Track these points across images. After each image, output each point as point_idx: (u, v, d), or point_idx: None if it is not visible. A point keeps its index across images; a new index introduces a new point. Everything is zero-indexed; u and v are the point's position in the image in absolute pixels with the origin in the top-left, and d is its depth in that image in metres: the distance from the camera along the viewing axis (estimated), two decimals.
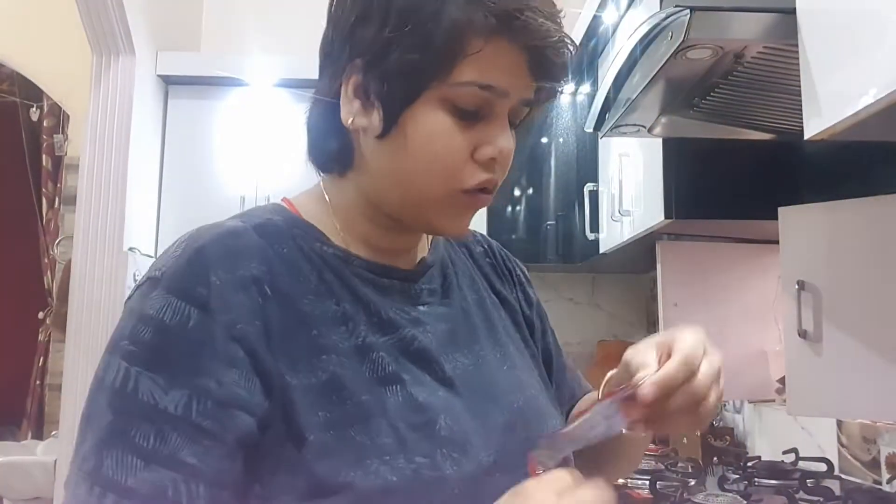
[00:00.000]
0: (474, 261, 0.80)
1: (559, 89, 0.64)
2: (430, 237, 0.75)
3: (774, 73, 1.21)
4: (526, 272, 0.86)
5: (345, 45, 0.63)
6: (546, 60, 0.60)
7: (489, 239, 0.85)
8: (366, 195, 0.66)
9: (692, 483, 1.59)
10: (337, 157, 0.67)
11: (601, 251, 2.40)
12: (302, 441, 0.56)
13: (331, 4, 0.66)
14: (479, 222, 2.88)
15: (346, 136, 0.65)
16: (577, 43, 0.70)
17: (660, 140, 1.72)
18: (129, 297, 0.60)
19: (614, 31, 2.22)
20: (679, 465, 1.80)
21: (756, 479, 1.64)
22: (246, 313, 0.57)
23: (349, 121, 0.63)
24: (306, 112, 0.69)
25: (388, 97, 0.60)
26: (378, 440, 0.58)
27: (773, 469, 1.72)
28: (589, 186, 2.46)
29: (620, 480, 1.73)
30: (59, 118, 3.70)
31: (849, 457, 1.67)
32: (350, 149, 0.65)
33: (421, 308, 0.68)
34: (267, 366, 0.57)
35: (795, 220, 1.41)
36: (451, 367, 0.66)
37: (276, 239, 0.63)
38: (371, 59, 0.60)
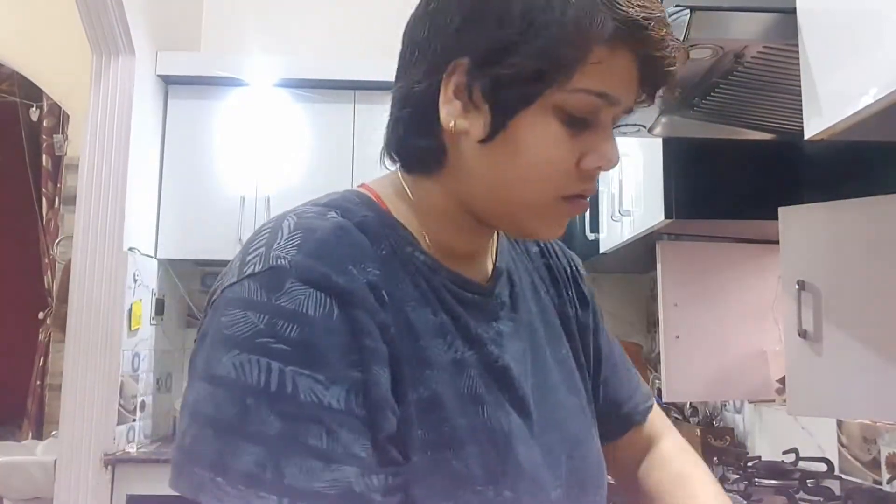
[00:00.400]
0: (532, 261, 0.76)
1: (660, 96, 0.62)
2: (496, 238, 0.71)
3: (774, 73, 1.21)
4: (580, 266, 0.81)
5: (450, 42, 0.59)
6: (660, 71, 0.58)
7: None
8: (456, 197, 0.63)
9: None
10: (427, 157, 0.62)
11: (601, 251, 2.41)
12: (404, 458, 0.55)
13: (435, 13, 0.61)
14: None
15: (440, 136, 0.61)
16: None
17: (660, 140, 1.72)
18: (230, 284, 0.55)
19: None
20: None
21: (756, 479, 1.64)
22: (381, 316, 0.55)
23: (451, 124, 0.59)
24: (389, 108, 0.65)
25: (499, 102, 0.57)
26: (471, 468, 0.56)
27: (774, 469, 1.72)
28: None
29: None
30: (59, 118, 3.70)
31: (849, 457, 1.67)
32: (443, 150, 0.61)
33: (495, 325, 0.65)
34: (397, 371, 0.55)
35: (795, 220, 1.42)
36: (525, 390, 0.64)
37: (376, 239, 0.59)
38: (482, 61, 0.57)
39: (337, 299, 0.53)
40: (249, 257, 0.56)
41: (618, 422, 0.79)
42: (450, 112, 0.59)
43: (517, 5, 0.56)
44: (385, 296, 0.56)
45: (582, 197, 0.61)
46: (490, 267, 0.68)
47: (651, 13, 0.55)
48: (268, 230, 0.57)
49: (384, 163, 0.67)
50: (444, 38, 0.59)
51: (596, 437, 0.71)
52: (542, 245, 0.78)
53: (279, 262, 0.54)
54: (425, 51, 0.61)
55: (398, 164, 0.66)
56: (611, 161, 0.60)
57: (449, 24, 0.59)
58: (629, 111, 0.61)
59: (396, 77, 0.64)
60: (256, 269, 0.54)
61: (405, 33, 0.65)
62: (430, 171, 0.63)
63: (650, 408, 0.82)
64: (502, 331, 0.65)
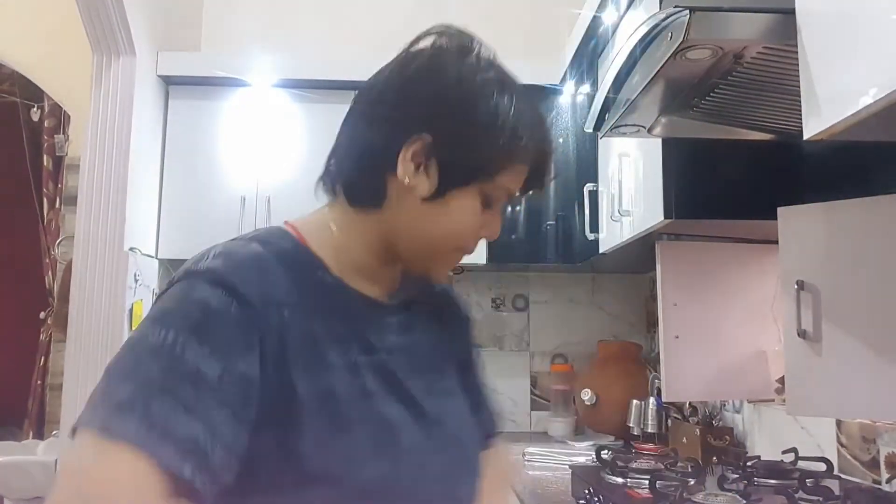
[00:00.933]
0: (431, 298, 0.93)
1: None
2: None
3: (774, 74, 1.21)
4: (469, 314, 1.03)
5: (420, 119, 0.78)
6: (541, 182, 0.86)
7: (454, 297, 1.01)
8: (383, 234, 0.81)
9: (692, 482, 1.59)
10: (372, 197, 0.80)
11: (601, 251, 2.41)
12: (300, 439, 0.69)
13: (413, 72, 0.81)
14: None
15: (384, 183, 0.79)
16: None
17: (659, 140, 1.72)
18: (164, 291, 0.72)
19: (614, 31, 2.22)
20: (678, 464, 1.81)
21: (755, 478, 1.64)
22: (272, 328, 0.70)
23: (406, 179, 0.77)
24: (338, 144, 0.86)
25: (445, 176, 0.78)
26: (359, 448, 0.72)
27: (773, 469, 1.72)
28: (589, 186, 2.46)
29: (619, 479, 1.73)
30: (60, 118, 3.70)
31: (848, 456, 1.67)
32: (385, 195, 0.80)
33: (391, 337, 0.82)
34: (269, 375, 0.69)
35: (795, 220, 1.42)
36: (411, 390, 0.80)
37: (289, 265, 0.76)
38: (441, 146, 0.77)
39: (237, 301, 0.68)
40: (180, 270, 0.73)
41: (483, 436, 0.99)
42: (406, 169, 0.77)
43: (480, 118, 0.78)
44: (286, 313, 0.72)
45: (467, 253, 0.85)
46: (393, 291, 0.86)
47: (550, 150, 0.84)
48: (200, 254, 0.74)
49: (317, 193, 0.86)
50: (414, 113, 0.78)
51: (477, 438, 0.91)
52: (441, 287, 0.98)
53: (197, 268, 0.71)
54: (395, 115, 0.79)
55: (333, 199, 0.84)
56: (496, 234, 0.85)
57: (420, 103, 0.79)
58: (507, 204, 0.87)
59: (352, 120, 0.85)
60: (179, 277, 0.71)
61: (373, 85, 0.83)
62: (366, 209, 0.81)
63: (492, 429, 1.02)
64: (395, 342, 0.82)
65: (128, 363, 0.65)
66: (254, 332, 0.68)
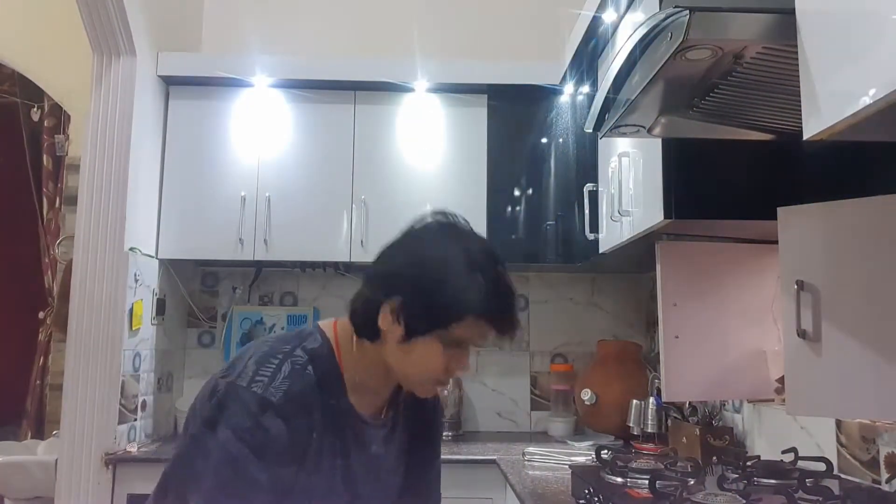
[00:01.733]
0: (418, 410, 1.27)
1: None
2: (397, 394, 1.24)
3: (774, 74, 1.21)
4: (441, 418, 1.37)
5: (397, 287, 1.07)
6: (504, 334, 1.10)
7: (431, 401, 1.31)
8: (379, 357, 1.13)
9: (691, 482, 1.59)
10: (370, 333, 1.11)
11: (601, 251, 2.41)
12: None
13: (394, 244, 1.14)
14: (479, 223, 2.89)
15: (377, 325, 1.10)
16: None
17: (659, 140, 1.73)
18: (241, 387, 1.07)
19: (614, 31, 2.22)
20: (678, 464, 1.80)
21: (755, 478, 1.64)
22: (303, 441, 1.08)
23: (385, 326, 1.08)
24: (356, 296, 1.16)
25: (410, 328, 1.06)
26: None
27: (773, 468, 1.72)
28: (588, 186, 2.46)
29: (619, 479, 1.73)
30: (60, 118, 3.71)
31: (848, 456, 1.67)
32: (377, 333, 1.10)
33: (373, 448, 1.18)
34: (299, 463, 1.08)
35: (795, 220, 1.42)
36: (361, 492, 1.16)
37: (322, 388, 1.11)
38: (409, 309, 1.06)
39: (287, 427, 1.05)
40: (258, 378, 1.07)
41: None
42: (384, 319, 1.08)
43: (437, 287, 1.05)
44: (314, 433, 1.09)
45: (442, 387, 1.17)
46: (384, 406, 1.21)
47: (511, 312, 1.09)
48: (273, 366, 1.08)
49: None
50: (393, 279, 1.09)
51: None
52: (433, 402, 1.31)
53: (271, 398, 1.05)
54: (382, 278, 1.11)
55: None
56: (466, 370, 1.14)
57: (398, 272, 1.09)
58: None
59: (375, 277, 1.14)
60: (258, 391, 1.05)
61: (382, 250, 1.15)
62: (369, 340, 1.12)
63: None
64: (375, 451, 1.18)
65: (184, 466, 1.10)
66: (290, 448, 1.06)
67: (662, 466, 1.79)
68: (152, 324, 2.82)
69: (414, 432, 1.26)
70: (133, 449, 2.59)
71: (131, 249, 2.64)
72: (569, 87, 2.89)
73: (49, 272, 3.66)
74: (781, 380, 1.81)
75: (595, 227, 2.43)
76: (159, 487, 1.14)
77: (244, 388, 1.04)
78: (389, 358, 1.11)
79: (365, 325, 1.11)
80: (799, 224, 1.41)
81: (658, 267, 1.93)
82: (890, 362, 1.26)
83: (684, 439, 2.14)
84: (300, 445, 1.05)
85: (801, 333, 1.36)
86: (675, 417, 2.37)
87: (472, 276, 1.05)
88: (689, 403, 2.32)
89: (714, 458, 1.95)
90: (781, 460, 1.80)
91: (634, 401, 2.58)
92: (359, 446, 1.14)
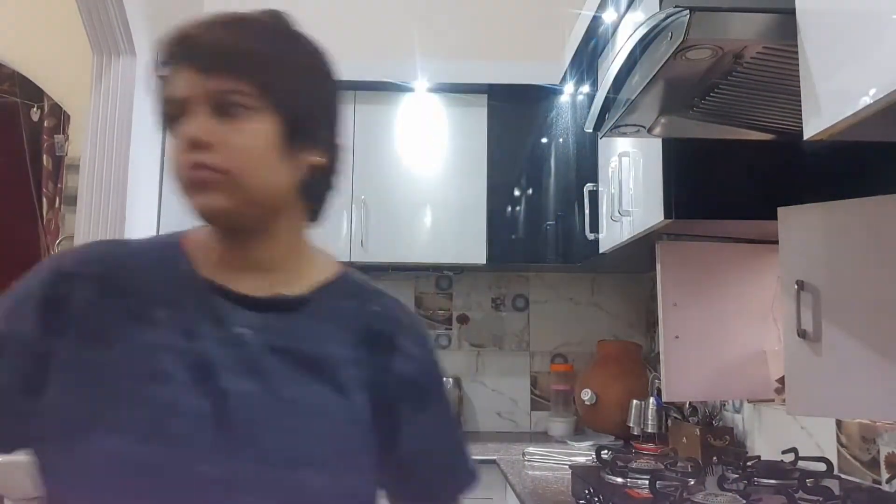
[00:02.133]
0: (350, 319, 0.82)
1: (252, 72, 0.76)
2: (333, 281, 0.83)
3: (774, 74, 1.21)
4: (425, 349, 0.86)
5: None
6: (194, 56, 0.78)
7: (396, 309, 0.86)
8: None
9: (692, 482, 1.59)
10: None
11: (601, 251, 2.41)
12: (59, 403, 0.70)
13: None
14: (479, 223, 2.89)
15: None
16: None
17: (660, 140, 1.73)
18: None
19: (614, 31, 2.22)
20: (678, 464, 1.81)
21: (755, 478, 1.64)
22: (68, 296, 0.75)
23: None
24: None
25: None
26: (119, 417, 0.69)
27: (773, 469, 1.72)
28: (589, 186, 2.46)
29: (619, 479, 1.73)
30: (60, 118, 3.70)
31: (848, 456, 1.67)
32: None
33: (239, 330, 0.75)
34: (57, 344, 0.72)
35: (795, 220, 1.42)
36: (228, 387, 0.72)
37: (137, 254, 0.80)
38: None
39: (43, 281, 0.78)
40: None
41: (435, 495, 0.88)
42: None
43: None
44: (103, 288, 0.75)
45: (190, 170, 0.74)
46: (277, 294, 0.79)
47: (183, 35, 0.79)
48: None
49: None
50: None
51: (319, 478, 0.73)
52: (382, 311, 0.85)
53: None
54: None
55: None
56: (184, 135, 0.75)
57: None
58: (214, 96, 0.75)
59: None
60: None
61: None
62: None
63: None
64: (246, 337, 0.75)
65: None
66: (47, 299, 0.75)
67: (662, 466, 1.79)
68: None
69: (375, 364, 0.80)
70: None
71: None
72: (569, 87, 2.89)
73: None
74: (782, 380, 1.81)
75: (595, 227, 2.43)
76: None
77: None
78: None
79: None
80: (799, 224, 1.41)
81: (658, 267, 1.93)
82: (890, 362, 1.26)
83: (684, 439, 2.14)
84: (68, 298, 0.74)
85: (802, 333, 1.35)
86: (676, 417, 2.37)
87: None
88: (690, 403, 2.32)
89: (714, 458, 1.95)
90: (782, 460, 1.80)
91: (634, 401, 2.58)
92: (214, 324, 0.75)
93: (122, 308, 0.74)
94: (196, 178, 0.74)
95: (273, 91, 0.76)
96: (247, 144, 0.75)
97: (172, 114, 0.78)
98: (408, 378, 0.82)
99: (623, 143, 2.06)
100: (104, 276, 0.76)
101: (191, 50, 0.77)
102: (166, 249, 0.80)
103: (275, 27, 0.81)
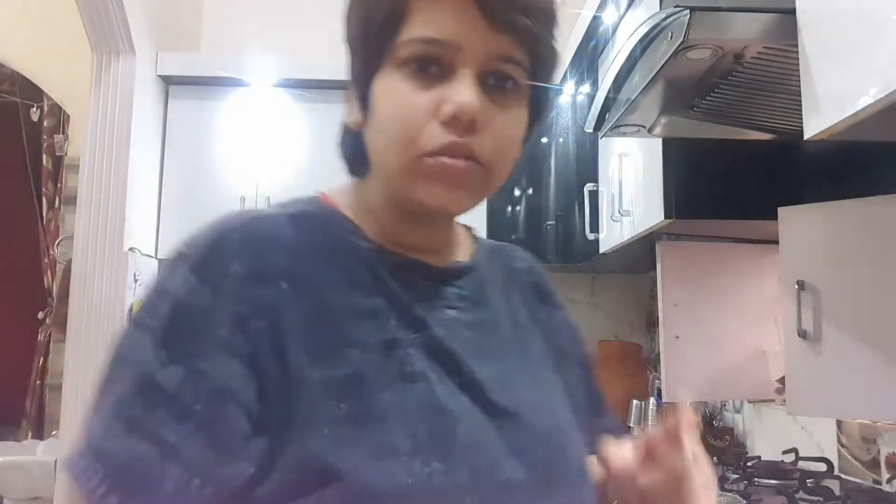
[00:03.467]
0: (512, 276, 0.76)
1: (537, 43, 0.60)
2: (474, 245, 0.73)
3: (774, 73, 1.21)
4: (559, 301, 0.82)
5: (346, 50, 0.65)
6: (500, 7, 0.57)
7: (531, 259, 0.81)
8: (384, 193, 0.64)
9: None
10: (355, 161, 0.68)
11: (601, 251, 2.41)
12: (312, 435, 0.54)
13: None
14: (479, 222, 2.89)
15: (359, 139, 0.65)
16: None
17: (660, 140, 1.72)
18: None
19: (614, 31, 2.22)
20: None
21: (756, 478, 1.64)
22: (261, 308, 0.56)
23: (350, 121, 0.65)
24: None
25: (357, 82, 0.62)
26: (396, 440, 0.55)
27: (773, 469, 1.72)
28: (589, 186, 2.46)
29: None
30: (60, 118, 3.70)
31: (848, 457, 1.67)
32: (364, 152, 0.64)
33: (450, 311, 0.65)
34: (266, 363, 0.55)
35: (795, 220, 1.42)
36: (477, 375, 0.62)
37: (308, 229, 0.62)
38: (349, 57, 0.63)
39: (210, 291, 0.56)
40: (181, 242, 0.61)
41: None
42: (348, 112, 0.66)
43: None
44: (284, 285, 0.57)
45: (445, 155, 0.58)
46: (452, 259, 0.69)
47: None
48: (210, 222, 0.61)
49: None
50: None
51: (583, 448, 0.67)
52: (530, 265, 0.79)
53: (184, 249, 0.59)
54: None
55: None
56: (458, 104, 0.57)
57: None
58: (506, 60, 0.59)
59: None
60: (173, 256, 0.60)
61: None
62: (363, 174, 0.67)
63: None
64: (458, 318, 0.64)
65: (102, 377, 0.57)
66: (227, 326, 0.55)
67: None
68: None
69: (516, 302, 0.73)
70: None
71: (131, 249, 2.63)
72: (569, 87, 2.89)
73: (48, 272, 3.66)
74: (782, 380, 1.81)
75: (595, 227, 2.42)
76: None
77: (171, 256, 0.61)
78: (376, 173, 0.64)
79: (345, 151, 0.70)
80: (799, 224, 1.41)
81: (658, 267, 1.93)
82: (891, 362, 1.25)
83: None
84: (260, 312, 0.56)
85: (802, 333, 1.35)
86: None
87: None
88: (690, 404, 2.32)
89: (714, 458, 1.95)
90: (782, 461, 1.80)
91: (635, 401, 2.58)
92: (428, 306, 0.63)
93: (322, 301, 0.58)
94: (450, 168, 0.58)
95: (541, 70, 0.62)
96: (512, 136, 0.61)
97: (416, 55, 0.58)
98: (568, 323, 0.80)
99: (623, 143, 2.06)
100: (289, 269, 0.58)
101: None
102: (328, 221, 0.64)
103: None
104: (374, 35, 0.59)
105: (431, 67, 0.58)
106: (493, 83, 0.59)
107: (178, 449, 0.52)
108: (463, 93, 0.57)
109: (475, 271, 0.69)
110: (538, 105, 0.65)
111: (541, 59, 0.61)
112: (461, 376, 0.61)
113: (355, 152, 0.66)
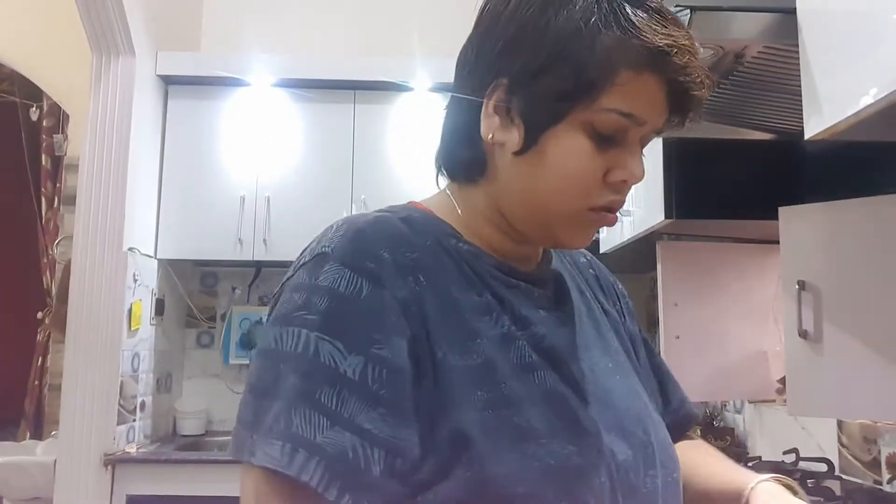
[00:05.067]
0: (579, 271, 0.81)
1: (690, 119, 0.68)
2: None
3: (774, 73, 1.21)
4: (623, 288, 0.88)
5: (492, 64, 0.66)
6: (686, 96, 0.64)
7: (587, 252, 0.86)
8: (495, 204, 0.68)
9: None
10: (469, 166, 0.70)
11: (601, 251, 2.40)
12: (461, 419, 0.58)
13: (480, 23, 0.69)
14: None
15: (481, 147, 0.68)
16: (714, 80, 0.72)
17: (660, 140, 1.72)
18: (289, 277, 0.63)
19: None
20: None
21: None
22: (412, 294, 0.61)
23: (489, 136, 0.66)
24: (442, 121, 0.73)
25: (532, 118, 0.64)
26: (533, 424, 0.60)
27: (774, 469, 1.72)
28: None
29: None
30: (59, 118, 3.70)
31: (849, 457, 1.67)
32: (483, 160, 0.68)
33: (541, 312, 0.69)
34: (422, 348, 0.59)
35: (795, 220, 1.41)
36: (574, 370, 0.67)
37: (418, 230, 0.66)
38: (519, 81, 0.64)
39: (367, 279, 0.59)
40: (305, 252, 0.64)
41: (675, 426, 0.82)
42: (489, 126, 0.66)
43: (551, 33, 0.63)
44: (421, 277, 0.62)
45: (609, 210, 0.66)
46: (536, 264, 0.73)
47: (675, 41, 0.61)
48: (322, 232, 0.65)
49: (437, 181, 0.74)
50: (488, 60, 0.66)
51: (658, 417, 0.72)
52: (588, 258, 0.85)
53: (324, 250, 0.61)
54: (472, 70, 0.68)
55: (447, 181, 0.73)
56: (634, 175, 0.64)
57: (493, 47, 0.66)
58: (659, 132, 0.67)
59: (451, 97, 0.72)
60: (306, 260, 0.62)
61: (459, 54, 0.72)
62: (473, 180, 0.70)
63: (695, 415, 0.89)
64: (548, 317, 0.68)
65: (266, 377, 0.58)
66: (392, 310, 0.59)
67: None
68: (151, 324, 2.81)
69: (591, 300, 0.79)
70: (132, 450, 2.59)
71: (130, 249, 2.63)
72: None
73: (48, 272, 3.65)
74: (783, 380, 1.81)
75: None
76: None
77: (292, 274, 0.63)
78: (505, 189, 0.67)
79: (457, 155, 0.71)
80: (800, 224, 1.41)
81: (658, 267, 1.93)
82: (891, 362, 1.25)
83: None
84: (409, 302, 0.60)
85: (803, 334, 1.35)
86: None
87: (612, 5, 0.62)
88: None
89: None
90: (783, 461, 1.80)
91: None
92: (525, 305, 0.67)
93: (448, 295, 0.63)
94: (608, 221, 0.66)
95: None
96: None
97: (612, 124, 0.63)
98: (630, 310, 0.85)
99: None
100: (419, 262, 0.63)
101: (686, 80, 0.63)
102: (430, 223, 0.68)
103: None
104: (575, 90, 0.62)
105: (612, 135, 0.64)
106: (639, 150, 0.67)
107: (376, 434, 0.55)
108: (635, 164, 0.65)
109: (554, 273, 0.74)
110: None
111: (673, 128, 0.69)
112: (561, 369, 0.66)
113: (475, 162, 0.69)
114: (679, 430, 0.84)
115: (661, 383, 0.84)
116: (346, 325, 0.58)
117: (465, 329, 0.62)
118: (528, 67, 0.63)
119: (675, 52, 0.61)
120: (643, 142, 0.67)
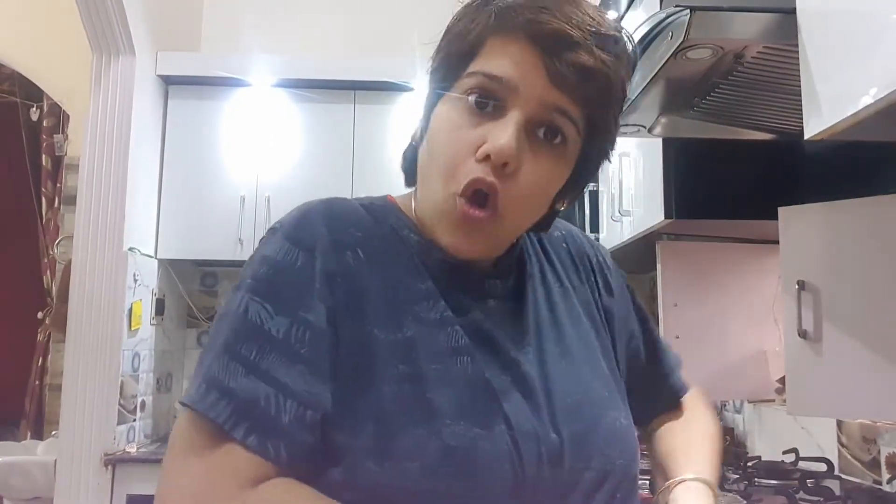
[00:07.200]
0: (550, 247, 0.80)
1: (592, 108, 0.64)
2: (526, 237, 0.77)
3: (774, 73, 1.21)
4: (607, 257, 0.85)
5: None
6: (562, 62, 0.62)
7: (568, 225, 0.85)
8: (429, 206, 0.69)
9: None
10: (409, 168, 0.74)
11: None
12: (373, 390, 0.62)
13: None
14: None
15: (414, 149, 0.73)
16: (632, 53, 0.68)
17: (660, 140, 1.72)
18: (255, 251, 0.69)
19: None
20: None
21: (756, 478, 1.64)
22: (343, 268, 0.65)
23: (413, 133, 0.72)
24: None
25: (426, 104, 0.69)
26: (442, 404, 0.62)
27: (773, 469, 1.72)
28: (589, 186, 2.46)
29: None
30: (59, 118, 3.70)
31: (849, 457, 1.67)
32: (415, 161, 0.72)
33: (491, 301, 0.70)
34: (342, 317, 0.63)
35: (795, 220, 1.41)
36: (516, 356, 0.68)
37: (375, 216, 0.71)
38: (430, 78, 0.70)
39: (303, 251, 0.64)
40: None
41: (666, 397, 0.85)
42: (415, 127, 0.72)
43: (449, 29, 0.69)
44: (361, 254, 0.67)
45: (475, 204, 0.63)
46: (497, 256, 0.73)
47: (544, 7, 0.62)
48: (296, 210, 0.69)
49: (405, 181, 0.77)
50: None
51: (617, 414, 0.71)
52: (564, 232, 0.83)
53: (275, 226, 0.67)
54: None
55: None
56: (494, 145, 0.62)
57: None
58: (557, 111, 0.63)
59: None
60: (264, 235, 0.68)
61: None
62: (413, 184, 0.74)
63: (678, 388, 0.87)
64: (496, 306, 0.70)
65: (212, 334, 0.65)
66: (319, 279, 0.63)
67: None
68: (151, 324, 2.81)
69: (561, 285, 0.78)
70: (132, 449, 2.59)
71: (130, 249, 2.63)
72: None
73: (48, 272, 3.65)
74: (782, 380, 1.81)
75: (595, 227, 2.42)
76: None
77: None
78: (419, 188, 0.71)
79: (405, 157, 0.76)
80: (800, 224, 1.41)
81: (658, 267, 1.93)
82: (891, 362, 1.25)
83: None
84: (342, 276, 0.64)
85: (802, 334, 1.35)
86: None
87: None
88: None
89: None
90: (782, 461, 1.80)
91: None
92: (470, 294, 0.69)
93: (387, 275, 0.66)
94: (469, 217, 0.63)
95: (593, 136, 0.67)
96: (541, 189, 0.66)
97: (478, 86, 0.63)
98: (609, 280, 0.82)
99: (623, 143, 2.05)
100: (362, 242, 0.67)
101: (559, 43, 0.61)
102: (390, 213, 0.72)
103: (630, 60, 0.67)
104: (449, 63, 0.67)
105: (488, 106, 0.64)
106: (542, 135, 0.64)
107: (291, 387, 0.60)
108: (502, 136, 0.62)
109: (519, 265, 0.75)
110: (582, 169, 0.69)
111: (595, 126, 0.66)
112: (501, 356, 0.67)
113: (411, 164, 0.73)
114: (665, 402, 0.86)
115: (650, 353, 0.84)
116: (278, 289, 0.63)
117: (399, 309, 0.65)
118: (433, 63, 0.70)
119: (526, 12, 0.62)
120: (537, 122, 0.63)
